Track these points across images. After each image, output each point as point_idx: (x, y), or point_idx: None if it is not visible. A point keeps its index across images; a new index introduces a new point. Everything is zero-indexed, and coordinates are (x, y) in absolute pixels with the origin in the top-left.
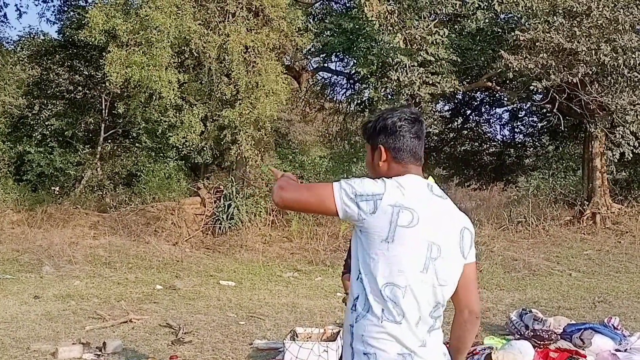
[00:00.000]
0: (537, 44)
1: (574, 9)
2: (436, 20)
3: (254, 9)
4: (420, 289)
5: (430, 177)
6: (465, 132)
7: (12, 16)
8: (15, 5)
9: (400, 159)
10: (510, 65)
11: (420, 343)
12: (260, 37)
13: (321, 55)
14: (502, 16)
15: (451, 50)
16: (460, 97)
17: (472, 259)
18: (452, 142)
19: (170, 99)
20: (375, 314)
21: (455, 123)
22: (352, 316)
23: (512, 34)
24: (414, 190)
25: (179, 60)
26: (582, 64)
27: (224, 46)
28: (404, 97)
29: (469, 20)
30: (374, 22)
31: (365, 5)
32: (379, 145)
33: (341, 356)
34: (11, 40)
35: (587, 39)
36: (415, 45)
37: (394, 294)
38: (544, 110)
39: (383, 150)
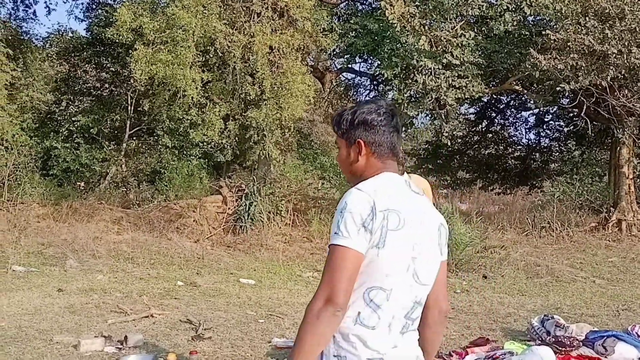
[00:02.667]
0: (568, 44)
1: (607, 11)
2: (462, 22)
3: (279, 10)
4: (402, 291)
5: (406, 174)
6: (490, 135)
7: (41, 13)
8: (45, 2)
9: (380, 154)
10: (539, 65)
11: (392, 344)
12: (285, 37)
13: (345, 56)
14: (530, 18)
15: (477, 53)
16: (485, 100)
17: (445, 256)
18: (476, 145)
19: (193, 97)
20: (352, 316)
21: (480, 126)
22: None
23: (542, 35)
24: (395, 190)
25: (204, 59)
26: (612, 67)
27: (249, 46)
28: (429, 100)
29: (497, 23)
30: (396, 24)
31: (386, 8)
32: (357, 140)
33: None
34: (40, 37)
35: (618, 42)
36: (440, 47)
37: (377, 297)
38: (571, 114)
39: (363, 144)
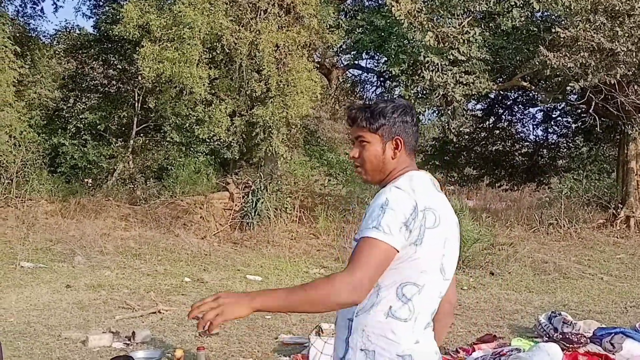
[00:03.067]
0: (577, 41)
1: (617, 8)
2: (469, 18)
3: (285, 6)
4: (432, 287)
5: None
6: (497, 131)
7: (49, 10)
8: None
9: (410, 151)
10: (548, 62)
11: (415, 340)
12: (291, 34)
13: (352, 53)
14: (538, 14)
15: (484, 49)
16: (492, 96)
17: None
18: (483, 142)
19: (200, 94)
20: (383, 310)
21: (487, 122)
22: (351, 310)
23: (551, 31)
24: (427, 188)
25: (210, 56)
26: (621, 65)
27: (255, 43)
28: (436, 96)
29: (504, 18)
30: (402, 21)
31: (393, 5)
32: (396, 136)
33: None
34: (47, 34)
35: (628, 39)
36: (447, 43)
37: (410, 292)
38: (579, 110)
39: (402, 142)
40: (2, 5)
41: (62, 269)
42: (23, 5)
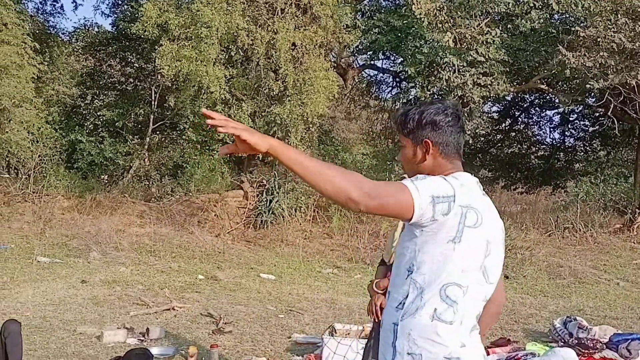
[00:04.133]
0: (597, 41)
1: (639, 9)
2: (487, 19)
3: (302, 6)
4: (475, 289)
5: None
6: (513, 134)
7: (69, 8)
8: None
9: (447, 154)
10: (567, 62)
11: (460, 344)
12: (308, 34)
13: (368, 53)
14: (557, 16)
15: (503, 50)
16: (509, 98)
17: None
18: (499, 144)
19: (218, 94)
20: (428, 313)
21: (503, 124)
22: (396, 314)
23: (570, 32)
24: (473, 189)
25: (227, 56)
26: None
27: (272, 42)
28: (453, 97)
29: (523, 20)
30: (423, 19)
31: (414, 3)
32: (424, 139)
33: (364, 356)
34: (67, 31)
35: None
36: (465, 44)
37: (454, 293)
38: (597, 114)
39: (431, 144)
40: (22, 2)
41: (78, 265)
42: (43, 2)
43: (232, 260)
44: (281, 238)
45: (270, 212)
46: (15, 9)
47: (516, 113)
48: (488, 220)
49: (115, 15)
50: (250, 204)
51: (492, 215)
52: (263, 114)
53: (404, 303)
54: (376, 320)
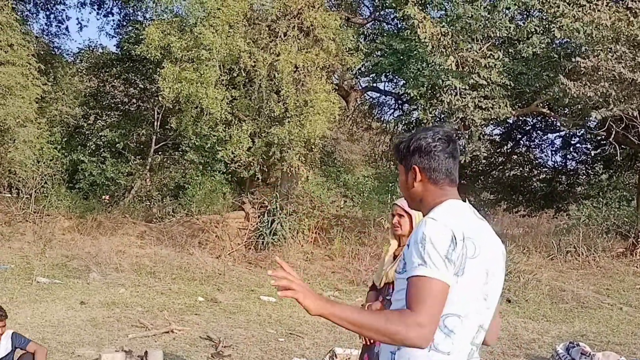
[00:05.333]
0: (599, 71)
1: (639, 39)
2: (489, 44)
3: (304, 29)
4: (474, 317)
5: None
6: (515, 156)
7: (73, 29)
8: (77, 19)
9: (436, 180)
10: (568, 91)
11: None
12: (310, 56)
13: (371, 75)
14: (558, 42)
15: (504, 74)
16: (511, 121)
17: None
18: (501, 167)
19: (219, 115)
20: None
21: (505, 147)
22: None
23: (572, 60)
24: (466, 216)
25: (230, 77)
26: None
27: (274, 64)
28: (455, 120)
29: (524, 45)
30: (427, 43)
31: (419, 27)
32: (413, 165)
33: None
34: (71, 52)
35: None
36: (467, 68)
37: (452, 324)
38: (599, 137)
39: (418, 170)
40: (28, 23)
41: (77, 286)
42: (48, 23)
43: (233, 282)
44: (282, 260)
45: (272, 233)
46: (20, 30)
47: (518, 136)
48: (486, 247)
49: (120, 37)
50: (251, 225)
51: (490, 241)
52: (263, 134)
53: None
54: (367, 344)
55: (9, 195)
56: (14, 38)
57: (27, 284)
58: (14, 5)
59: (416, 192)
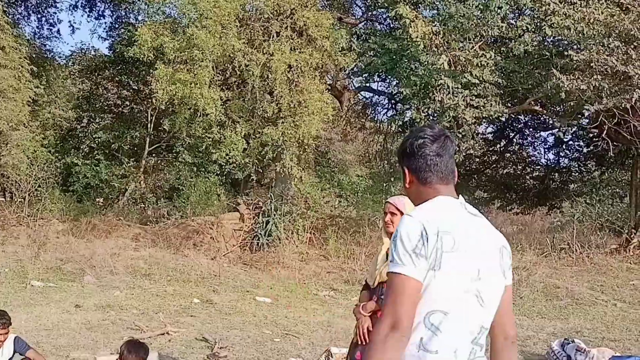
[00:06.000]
0: (591, 64)
1: (632, 33)
2: (481, 42)
3: (298, 29)
4: (464, 314)
5: (460, 196)
6: (508, 155)
7: (65, 32)
8: (69, 21)
9: (425, 180)
10: (561, 85)
11: None
12: (304, 56)
13: (364, 75)
14: (550, 39)
15: (496, 72)
16: (504, 119)
17: (510, 280)
18: (494, 165)
19: (214, 116)
20: (415, 342)
21: (498, 145)
22: None
23: (563, 56)
24: (448, 213)
25: (223, 78)
26: (636, 89)
27: (268, 65)
28: (447, 119)
29: (516, 43)
30: (419, 43)
31: (410, 27)
32: (403, 167)
33: None
34: (63, 55)
35: None
36: (459, 67)
37: (437, 320)
38: (591, 134)
39: (407, 172)
40: (20, 26)
41: (72, 289)
42: (40, 26)
43: (228, 284)
44: (277, 260)
45: (267, 234)
46: (12, 33)
47: (511, 134)
48: (469, 242)
49: (112, 39)
50: (246, 226)
51: (482, 237)
52: (257, 135)
53: None
54: (363, 343)
55: (3, 199)
56: (5, 41)
57: (22, 287)
58: (5, 9)
59: (412, 192)
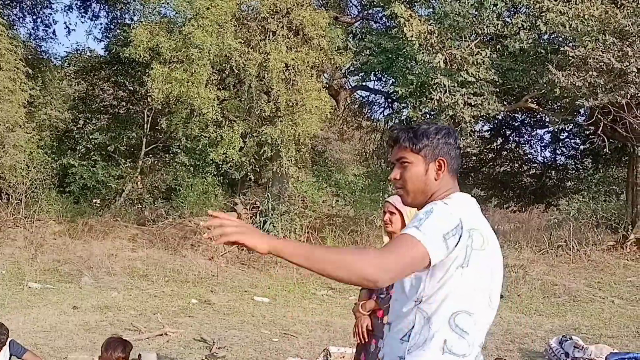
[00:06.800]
0: (587, 60)
1: (627, 29)
2: (477, 40)
3: (294, 28)
4: (483, 315)
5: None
6: (505, 152)
7: (61, 33)
8: (64, 23)
9: (453, 172)
10: (557, 81)
11: None
12: (300, 55)
13: (360, 74)
14: (545, 36)
15: (492, 70)
16: (500, 117)
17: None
18: (491, 163)
19: (210, 115)
20: (438, 345)
21: (495, 143)
22: (402, 347)
23: (559, 53)
24: (475, 210)
25: (220, 78)
26: (631, 85)
27: (264, 64)
28: (445, 117)
29: (512, 40)
30: (414, 42)
31: (405, 26)
32: (440, 158)
33: None
34: (59, 56)
35: (638, 60)
36: (455, 65)
37: (464, 322)
38: (587, 132)
39: (445, 163)
40: (15, 28)
41: (70, 290)
42: (35, 28)
43: (226, 284)
44: (275, 260)
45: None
46: (7, 35)
47: (507, 132)
48: (491, 242)
49: (108, 40)
50: None
51: (493, 237)
52: (254, 134)
53: (410, 334)
54: (362, 343)
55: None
56: (1, 43)
57: (19, 289)
58: (0, 10)
59: (434, 184)
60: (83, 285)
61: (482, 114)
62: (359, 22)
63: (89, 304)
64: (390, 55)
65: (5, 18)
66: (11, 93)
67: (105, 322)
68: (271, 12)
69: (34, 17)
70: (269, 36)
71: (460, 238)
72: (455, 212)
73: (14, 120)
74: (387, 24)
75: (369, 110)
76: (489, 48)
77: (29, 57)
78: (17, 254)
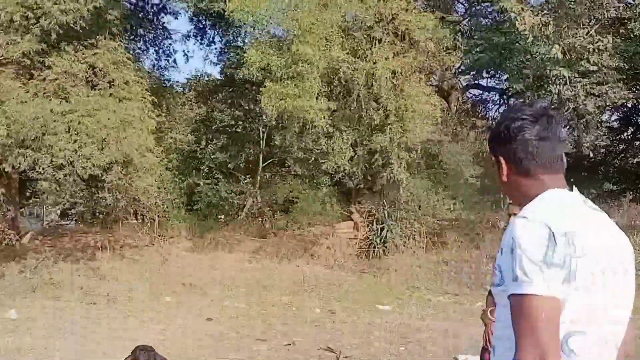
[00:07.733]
0: None
1: None
2: (597, 26)
3: (400, 33)
4: (604, 332)
5: (575, 189)
6: (638, 143)
7: (180, 61)
8: (183, 50)
9: (527, 171)
10: None
11: None
12: (408, 60)
13: (471, 73)
14: None
15: (617, 56)
16: (629, 105)
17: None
18: (622, 155)
19: (322, 127)
20: None
21: (625, 133)
22: None
23: None
24: (567, 209)
25: (329, 89)
26: None
27: (372, 72)
28: (567, 110)
29: (637, 23)
30: (527, 35)
31: (517, 20)
32: (498, 157)
33: None
34: (179, 83)
35: None
36: (574, 55)
37: (577, 345)
38: None
39: (503, 162)
40: (140, 60)
41: (200, 302)
42: (158, 58)
43: (347, 292)
44: (395, 267)
45: (382, 241)
46: (134, 68)
47: (639, 120)
48: (598, 243)
49: (223, 63)
50: (361, 234)
51: (605, 234)
52: (364, 143)
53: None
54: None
55: (135, 221)
56: (129, 75)
57: (155, 303)
58: (126, 45)
59: (511, 187)
60: (211, 298)
61: (607, 104)
62: (466, 20)
63: (218, 315)
64: (502, 51)
65: (131, 52)
66: (141, 121)
67: (233, 332)
68: (376, 20)
69: (156, 48)
70: (374, 44)
71: (556, 248)
72: (541, 222)
73: (145, 146)
74: (497, 19)
75: (483, 109)
76: (611, 33)
77: (154, 86)
78: (153, 270)
